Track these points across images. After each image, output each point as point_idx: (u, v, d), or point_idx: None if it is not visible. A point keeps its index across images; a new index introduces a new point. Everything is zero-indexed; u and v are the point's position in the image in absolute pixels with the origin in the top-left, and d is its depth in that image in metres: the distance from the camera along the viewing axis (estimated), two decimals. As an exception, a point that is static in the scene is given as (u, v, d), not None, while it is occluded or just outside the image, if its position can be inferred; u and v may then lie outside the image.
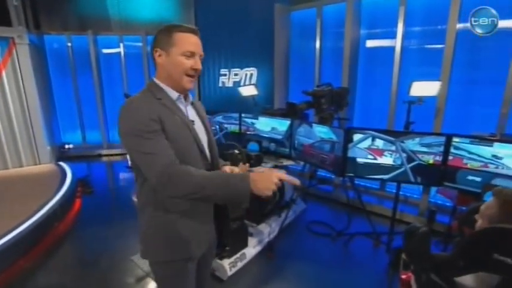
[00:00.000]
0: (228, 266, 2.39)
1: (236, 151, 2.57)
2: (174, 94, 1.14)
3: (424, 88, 2.26)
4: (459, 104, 3.03)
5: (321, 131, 2.47)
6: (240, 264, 2.49)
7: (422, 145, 2.08)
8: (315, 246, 2.89)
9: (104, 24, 5.57)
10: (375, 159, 2.20)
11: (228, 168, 1.32)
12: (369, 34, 3.57)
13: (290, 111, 2.73)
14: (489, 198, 1.57)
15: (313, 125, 2.56)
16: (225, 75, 5.31)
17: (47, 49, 5.39)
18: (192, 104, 1.25)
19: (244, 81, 4.91)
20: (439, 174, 2.07)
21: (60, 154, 5.30)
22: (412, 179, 2.16)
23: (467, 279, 1.08)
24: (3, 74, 4.21)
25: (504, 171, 1.88)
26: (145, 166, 1.02)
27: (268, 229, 2.92)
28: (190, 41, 1.10)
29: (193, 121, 1.19)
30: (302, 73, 4.31)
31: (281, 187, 3.25)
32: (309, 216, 3.47)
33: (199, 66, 1.12)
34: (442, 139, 2.03)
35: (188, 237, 1.18)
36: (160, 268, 1.23)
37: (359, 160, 2.24)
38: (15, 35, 4.17)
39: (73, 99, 5.68)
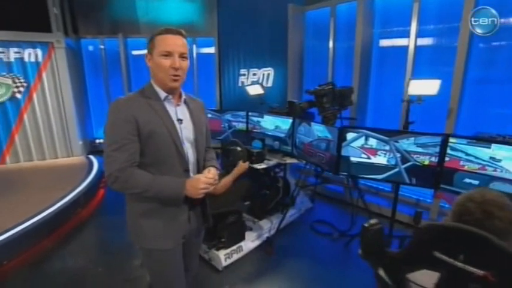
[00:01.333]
0: (224, 256, 2.49)
1: (238, 148, 2.68)
2: (162, 94, 1.24)
3: (423, 87, 2.18)
4: (475, 104, 2.87)
5: (318, 130, 2.48)
6: (235, 256, 2.58)
7: (418, 145, 2.02)
8: (315, 245, 2.90)
9: (134, 27, 5.95)
10: (369, 158, 2.18)
11: (207, 170, 1.35)
12: (382, 33, 3.48)
13: (291, 110, 2.77)
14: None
15: (312, 123, 2.58)
16: (244, 75, 5.43)
17: (83, 52, 5.90)
18: (186, 103, 1.34)
19: (262, 81, 5.00)
20: (435, 176, 2.00)
21: (92, 148, 5.77)
22: (407, 180, 2.11)
23: (422, 278, 1.08)
24: (44, 75, 4.72)
25: (502, 175, 1.77)
26: (104, 163, 1.18)
27: (269, 225, 2.98)
28: (167, 42, 1.18)
29: (180, 120, 1.28)
30: (316, 73, 4.30)
31: (287, 185, 3.33)
32: (314, 216, 3.48)
33: (177, 64, 1.18)
34: (438, 139, 1.96)
35: (161, 230, 1.27)
36: (145, 254, 1.35)
37: (353, 159, 2.23)
38: (54, 40, 4.65)
39: (105, 98, 6.16)
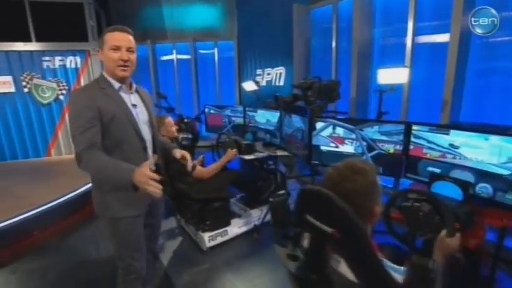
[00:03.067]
0: (207, 238, 2.69)
1: (227, 139, 2.89)
2: (116, 84, 1.45)
3: (392, 75, 2.17)
4: (475, 95, 2.73)
5: (296, 121, 2.58)
6: (220, 239, 2.76)
7: (382, 133, 2.03)
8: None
9: (160, 34, 6.49)
10: (337, 147, 2.22)
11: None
12: (382, 32, 3.44)
13: (276, 104, 2.89)
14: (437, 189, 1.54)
15: (292, 115, 2.68)
16: (260, 75, 5.63)
17: (118, 58, 6.58)
18: (137, 91, 1.57)
19: (275, 80, 5.15)
20: (400, 164, 1.99)
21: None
22: (374, 169, 2.11)
23: (305, 241, 1.14)
24: (82, 79, 5.41)
25: (461, 162, 1.73)
26: (73, 145, 1.36)
27: (259, 214, 3.11)
28: (115, 38, 1.40)
29: (135, 105, 1.51)
30: (323, 71, 4.33)
31: (283, 178, 3.43)
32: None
33: (125, 57, 1.40)
34: (401, 127, 1.95)
35: (126, 200, 1.46)
36: (113, 225, 1.50)
37: (322, 148, 2.29)
38: (91, 48, 5.31)
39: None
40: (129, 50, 1.42)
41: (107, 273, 2.10)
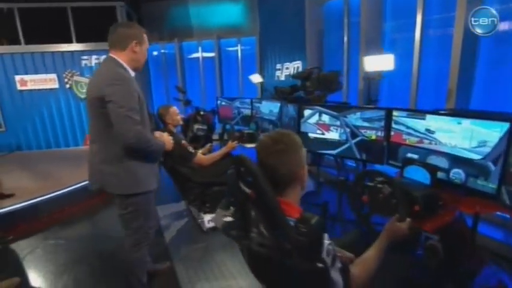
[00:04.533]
0: (207, 220, 2.89)
1: (231, 131, 3.07)
2: (132, 73, 1.64)
3: (378, 62, 2.14)
4: (487, 84, 2.59)
5: (291, 110, 2.66)
6: (219, 222, 2.94)
7: (364, 120, 2.03)
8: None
9: (187, 32, 6.85)
10: (323, 134, 2.27)
11: (157, 133, 1.85)
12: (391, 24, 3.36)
13: (276, 95, 2.98)
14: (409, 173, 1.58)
15: (289, 104, 2.76)
16: (279, 69, 5.72)
17: (149, 56, 7.06)
18: None
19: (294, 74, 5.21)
20: (382, 151, 2.00)
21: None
22: (358, 155, 2.13)
23: None
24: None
25: (436, 147, 1.70)
26: (121, 122, 1.48)
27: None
28: (147, 43, 1.72)
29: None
30: (336, 64, 4.29)
31: None
32: (315, 199, 3.55)
33: None
34: (381, 113, 1.95)
35: (151, 174, 1.71)
36: (138, 200, 1.67)
37: (310, 135, 2.35)
38: (121, 47, 5.80)
39: (164, 96, 7.24)
40: None
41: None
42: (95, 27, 5.57)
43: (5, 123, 5.57)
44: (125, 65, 1.59)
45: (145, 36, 1.67)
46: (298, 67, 5.15)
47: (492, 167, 1.45)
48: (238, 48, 6.66)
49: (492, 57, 2.56)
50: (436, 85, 2.96)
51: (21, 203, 3.29)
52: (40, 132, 5.77)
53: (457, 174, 1.61)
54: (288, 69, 5.41)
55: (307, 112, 2.32)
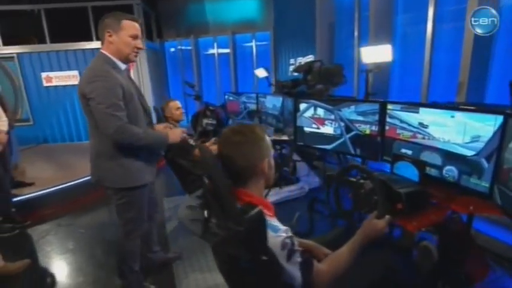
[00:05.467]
0: (206, 212, 2.92)
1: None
2: (122, 66, 1.60)
3: (376, 53, 2.04)
4: (503, 77, 2.41)
5: (290, 104, 2.61)
6: (219, 214, 2.97)
7: (358, 113, 1.95)
8: (304, 221, 2.98)
9: (203, 28, 6.92)
10: (318, 128, 2.21)
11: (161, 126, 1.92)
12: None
13: (278, 89, 2.94)
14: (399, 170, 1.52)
15: (288, 99, 2.71)
16: (292, 64, 5.65)
17: (166, 52, 7.25)
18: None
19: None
20: (376, 146, 1.91)
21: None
22: (352, 151, 2.05)
23: None
24: (132, 71, 6.14)
25: (429, 142, 1.60)
26: (104, 119, 1.47)
27: (262, 196, 3.23)
28: (135, 27, 1.54)
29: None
30: (347, 58, 4.16)
31: (293, 164, 3.49)
32: (318, 195, 3.48)
33: (141, 45, 1.58)
34: (375, 106, 1.86)
35: (144, 167, 1.68)
36: (128, 194, 1.67)
37: (306, 129, 2.29)
38: (138, 43, 5.98)
39: (181, 91, 7.39)
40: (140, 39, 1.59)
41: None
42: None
43: (33, 118, 5.96)
44: (113, 58, 1.54)
45: (124, 22, 1.50)
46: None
47: (485, 164, 1.34)
48: (253, 43, 6.63)
49: (510, 48, 2.37)
50: (449, 78, 2.80)
51: (39, 191, 3.52)
52: (64, 126, 6.10)
53: (450, 171, 1.51)
54: (300, 64, 5.33)
55: (302, 106, 2.27)
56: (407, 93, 3.28)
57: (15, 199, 3.14)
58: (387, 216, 1.19)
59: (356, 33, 3.76)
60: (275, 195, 3.22)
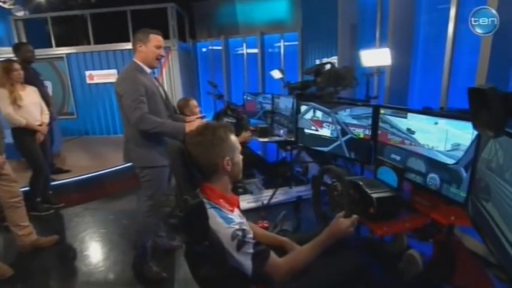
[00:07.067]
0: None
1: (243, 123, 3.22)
2: (148, 70, 1.95)
3: (375, 57, 2.00)
4: None
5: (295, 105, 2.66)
6: (225, 209, 3.11)
7: (353, 117, 1.96)
8: (309, 222, 3.02)
9: (233, 29, 7.12)
10: (317, 130, 2.24)
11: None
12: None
13: (289, 90, 2.99)
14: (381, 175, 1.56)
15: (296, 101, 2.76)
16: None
17: (198, 52, 7.58)
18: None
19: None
20: (369, 150, 1.91)
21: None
22: (347, 154, 2.06)
23: None
24: (164, 70, 6.54)
25: (415, 149, 1.57)
26: (130, 111, 1.80)
27: (270, 194, 3.31)
28: (159, 40, 1.92)
29: (157, 86, 2.04)
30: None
31: (306, 165, 3.53)
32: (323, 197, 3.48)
33: (163, 54, 1.97)
34: (369, 110, 1.86)
35: (163, 152, 1.96)
36: (150, 172, 1.96)
37: (306, 131, 2.33)
38: (171, 44, 6.34)
39: (211, 89, 7.65)
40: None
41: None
42: (150, 27, 6.19)
43: (77, 112, 6.62)
44: (142, 64, 1.89)
45: (151, 36, 1.87)
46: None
47: (464, 173, 1.31)
48: (281, 44, 6.68)
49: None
50: (471, 82, 2.64)
51: (74, 177, 3.95)
52: (102, 120, 6.69)
53: (433, 179, 1.49)
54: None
55: (303, 108, 2.32)
56: (428, 98, 3.14)
57: (53, 183, 3.57)
58: (354, 216, 1.23)
59: (378, 35, 3.66)
60: (284, 194, 3.29)
